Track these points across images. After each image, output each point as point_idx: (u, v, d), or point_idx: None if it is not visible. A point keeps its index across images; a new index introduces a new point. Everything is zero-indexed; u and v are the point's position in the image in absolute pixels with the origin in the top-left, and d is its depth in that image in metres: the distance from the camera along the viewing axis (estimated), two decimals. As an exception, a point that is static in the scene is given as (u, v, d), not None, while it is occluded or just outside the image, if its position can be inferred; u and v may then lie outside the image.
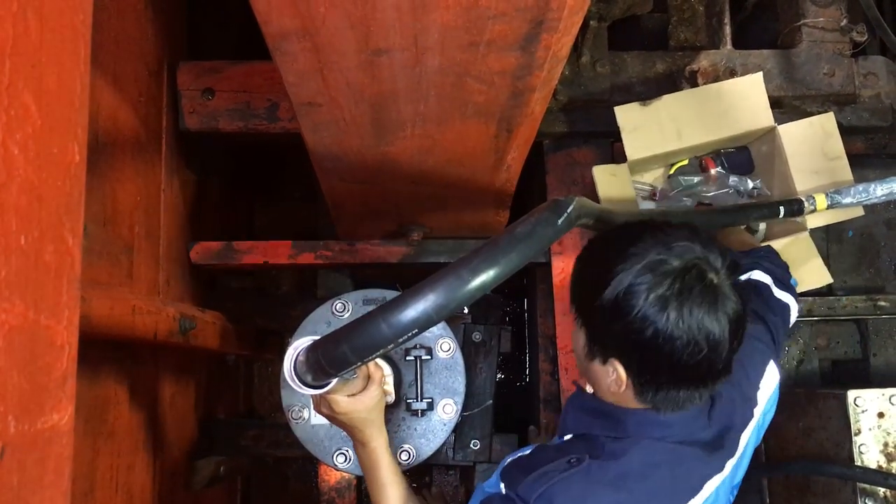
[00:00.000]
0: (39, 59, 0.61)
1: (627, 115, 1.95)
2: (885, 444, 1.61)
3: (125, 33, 1.84)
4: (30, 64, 0.60)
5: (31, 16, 0.60)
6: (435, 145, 1.50)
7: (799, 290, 1.92)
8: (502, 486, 1.35)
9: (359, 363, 1.18)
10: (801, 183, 1.91)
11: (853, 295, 2.07)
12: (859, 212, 1.90)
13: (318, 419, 2.03)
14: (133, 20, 1.90)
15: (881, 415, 1.62)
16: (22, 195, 0.58)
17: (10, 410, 0.57)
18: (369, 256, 2.25)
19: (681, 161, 2.06)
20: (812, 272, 1.89)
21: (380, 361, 1.97)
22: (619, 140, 1.95)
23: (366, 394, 1.52)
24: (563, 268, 2.22)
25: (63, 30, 0.65)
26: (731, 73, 2.08)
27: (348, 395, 1.49)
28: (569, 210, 1.20)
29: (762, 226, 1.93)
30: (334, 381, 1.28)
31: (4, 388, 0.56)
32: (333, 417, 1.52)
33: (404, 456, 2.02)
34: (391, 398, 1.97)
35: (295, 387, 1.27)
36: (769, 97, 1.97)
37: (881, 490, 1.59)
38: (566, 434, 1.42)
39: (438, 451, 2.14)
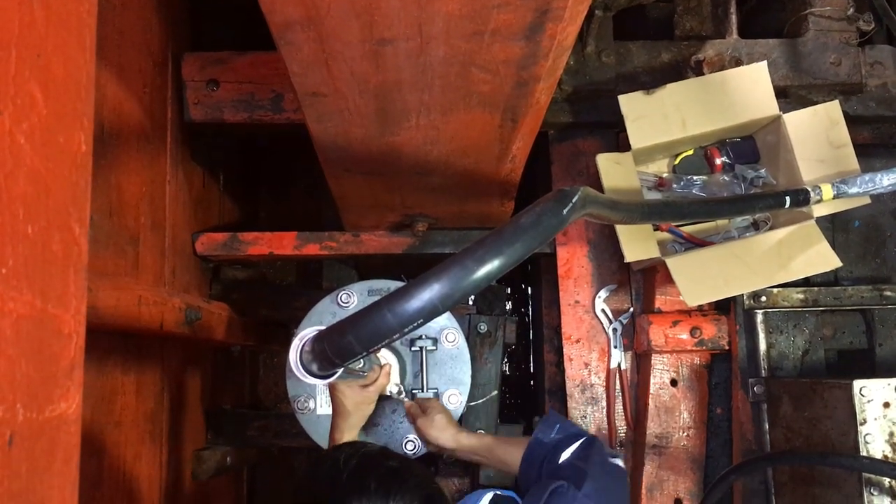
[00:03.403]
0: (45, 49, 0.61)
1: (631, 104, 1.94)
2: (891, 434, 1.61)
3: (130, 24, 1.84)
4: (35, 54, 0.60)
5: (37, 6, 0.60)
6: (440, 135, 1.50)
7: (807, 274, 1.91)
8: None
9: (364, 353, 1.18)
10: (807, 172, 1.91)
11: (859, 285, 2.06)
12: (865, 200, 1.90)
13: (324, 409, 2.03)
14: (138, 11, 1.90)
15: (887, 405, 1.62)
16: (29, 185, 0.58)
17: (19, 399, 0.57)
18: (374, 247, 2.25)
19: (686, 151, 2.06)
20: (820, 256, 1.88)
21: (385, 352, 1.98)
22: (625, 130, 1.95)
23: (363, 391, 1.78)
24: (568, 258, 2.22)
25: (68, 20, 0.65)
26: (737, 63, 2.07)
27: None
28: (574, 200, 1.19)
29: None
30: (339, 370, 1.29)
31: (13, 377, 0.56)
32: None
33: (410, 446, 2.03)
34: (396, 389, 1.98)
35: (301, 377, 1.27)
36: (775, 86, 1.96)
37: (886, 480, 1.59)
38: None
39: (444, 442, 2.14)
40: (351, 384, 1.79)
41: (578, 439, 1.58)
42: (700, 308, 2.09)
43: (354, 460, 1.20)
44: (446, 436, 1.85)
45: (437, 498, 1.20)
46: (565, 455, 1.55)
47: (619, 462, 1.58)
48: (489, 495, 1.45)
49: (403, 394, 1.98)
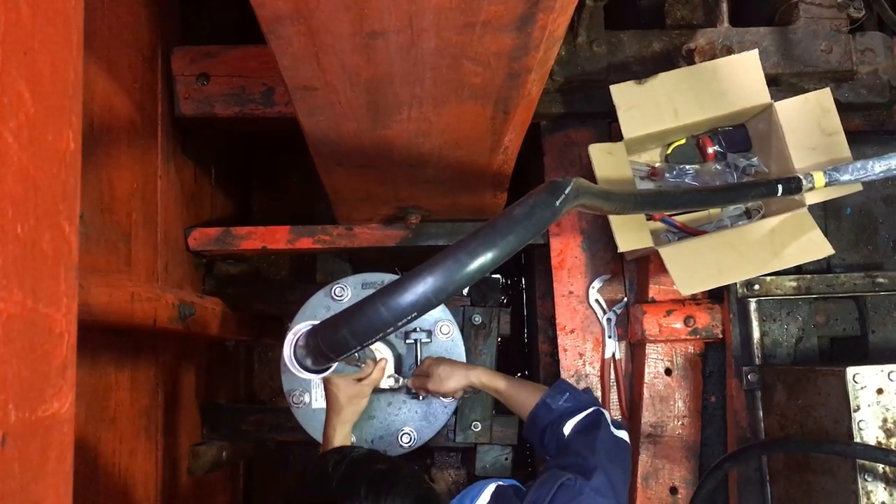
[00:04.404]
0: (32, 46, 0.61)
1: (623, 94, 1.94)
2: (884, 421, 1.62)
3: (118, 19, 1.82)
4: (22, 51, 0.59)
5: (23, 3, 0.59)
6: (432, 128, 1.49)
7: (800, 262, 1.92)
8: None
9: (359, 347, 1.18)
10: (799, 160, 1.91)
11: (852, 272, 2.07)
12: (857, 188, 1.90)
13: (319, 403, 2.04)
14: (126, 6, 1.88)
15: (880, 391, 1.62)
16: (17, 183, 0.58)
17: (11, 399, 0.57)
18: (368, 240, 2.25)
19: (678, 140, 2.06)
20: (812, 244, 1.89)
21: (379, 345, 1.98)
22: (617, 120, 1.95)
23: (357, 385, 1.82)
24: (561, 249, 2.22)
25: (55, 16, 0.65)
26: (729, 51, 2.07)
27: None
28: (567, 191, 1.19)
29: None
30: (334, 365, 1.29)
31: (4, 377, 0.56)
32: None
33: (406, 439, 2.03)
34: (392, 380, 1.98)
35: (295, 371, 1.27)
36: (766, 75, 1.96)
37: (880, 466, 1.60)
38: None
39: (440, 434, 2.15)
40: (345, 378, 1.80)
41: (585, 409, 1.60)
42: (694, 297, 2.10)
43: (343, 466, 1.20)
44: (458, 380, 1.86)
45: (427, 498, 1.20)
46: (571, 424, 1.58)
47: (624, 435, 1.59)
48: (492, 487, 1.45)
49: (402, 380, 1.99)
